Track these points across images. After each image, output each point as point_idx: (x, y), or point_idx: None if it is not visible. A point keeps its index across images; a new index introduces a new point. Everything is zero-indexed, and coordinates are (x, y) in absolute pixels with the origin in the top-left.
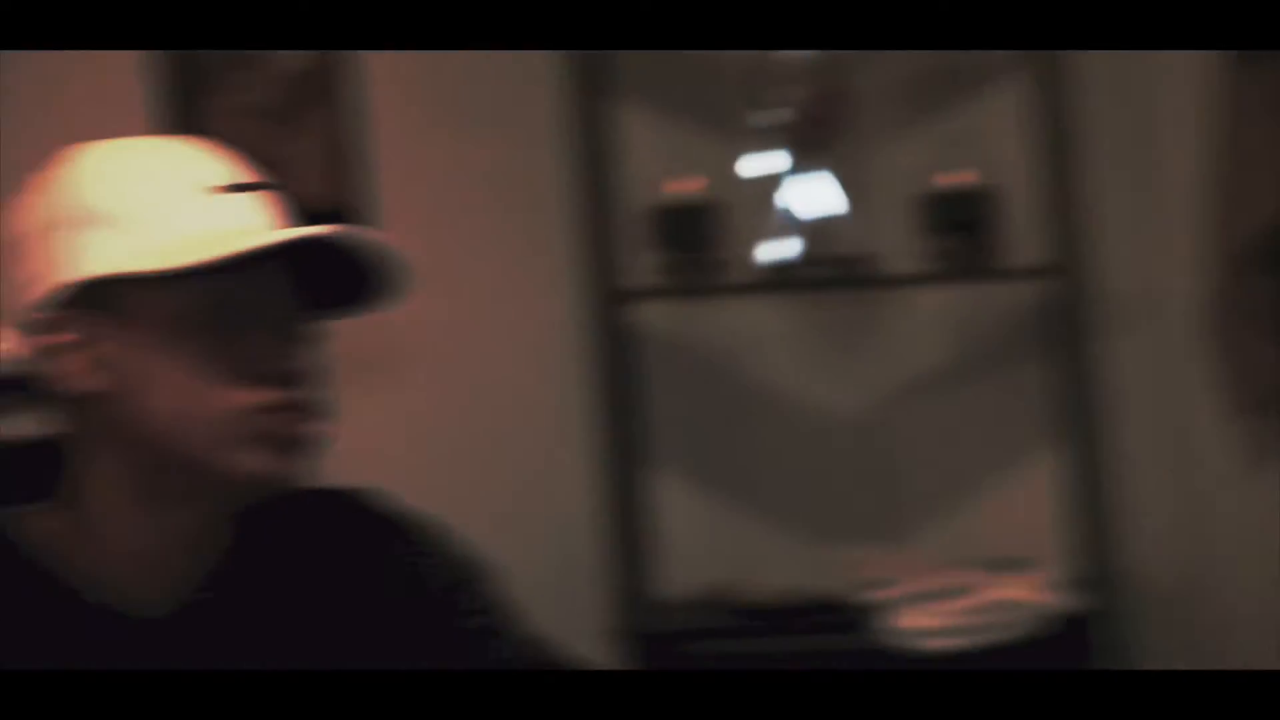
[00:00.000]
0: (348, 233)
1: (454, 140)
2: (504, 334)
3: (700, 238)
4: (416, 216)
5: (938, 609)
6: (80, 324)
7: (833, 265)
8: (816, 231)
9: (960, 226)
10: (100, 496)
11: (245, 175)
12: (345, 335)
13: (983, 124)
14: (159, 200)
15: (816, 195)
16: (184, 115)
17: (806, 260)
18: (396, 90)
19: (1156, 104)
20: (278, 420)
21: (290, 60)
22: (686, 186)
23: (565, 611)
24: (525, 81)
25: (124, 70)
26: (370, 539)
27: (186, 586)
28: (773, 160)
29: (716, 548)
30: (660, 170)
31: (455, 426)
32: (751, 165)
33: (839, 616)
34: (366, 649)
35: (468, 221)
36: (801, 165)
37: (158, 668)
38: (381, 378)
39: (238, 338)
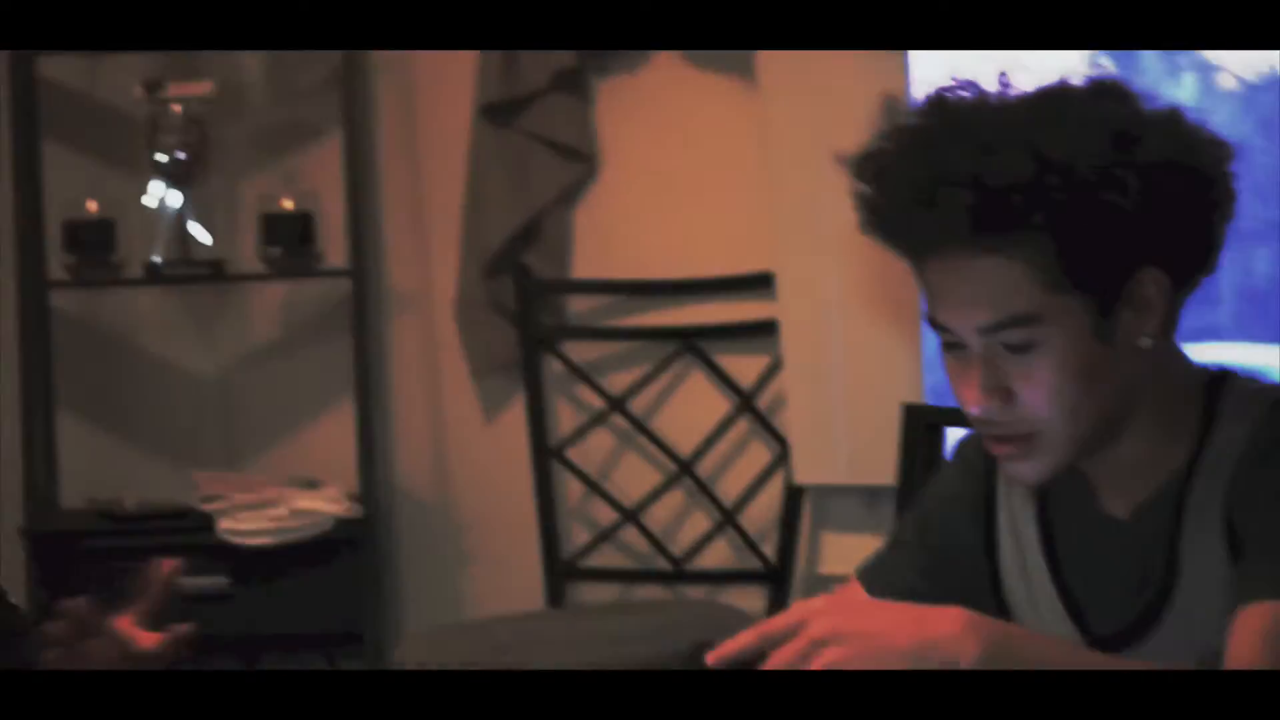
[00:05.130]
0: None
1: None
2: None
3: (103, 244)
4: None
5: (256, 516)
6: None
7: (197, 266)
8: (187, 241)
9: (288, 239)
10: None
11: None
12: None
13: (307, 165)
14: None
15: (188, 214)
16: None
17: (179, 262)
18: None
19: (425, 151)
20: None
21: None
22: (93, 205)
23: None
24: None
25: None
26: None
27: None
28: (159, 187)
29: (105, 471)
30: (76, 192)
31: None
32: (146, 190)
33: (187, 521)
34: None
35: None
36: (178, 191)
37: None
38: None
39: None
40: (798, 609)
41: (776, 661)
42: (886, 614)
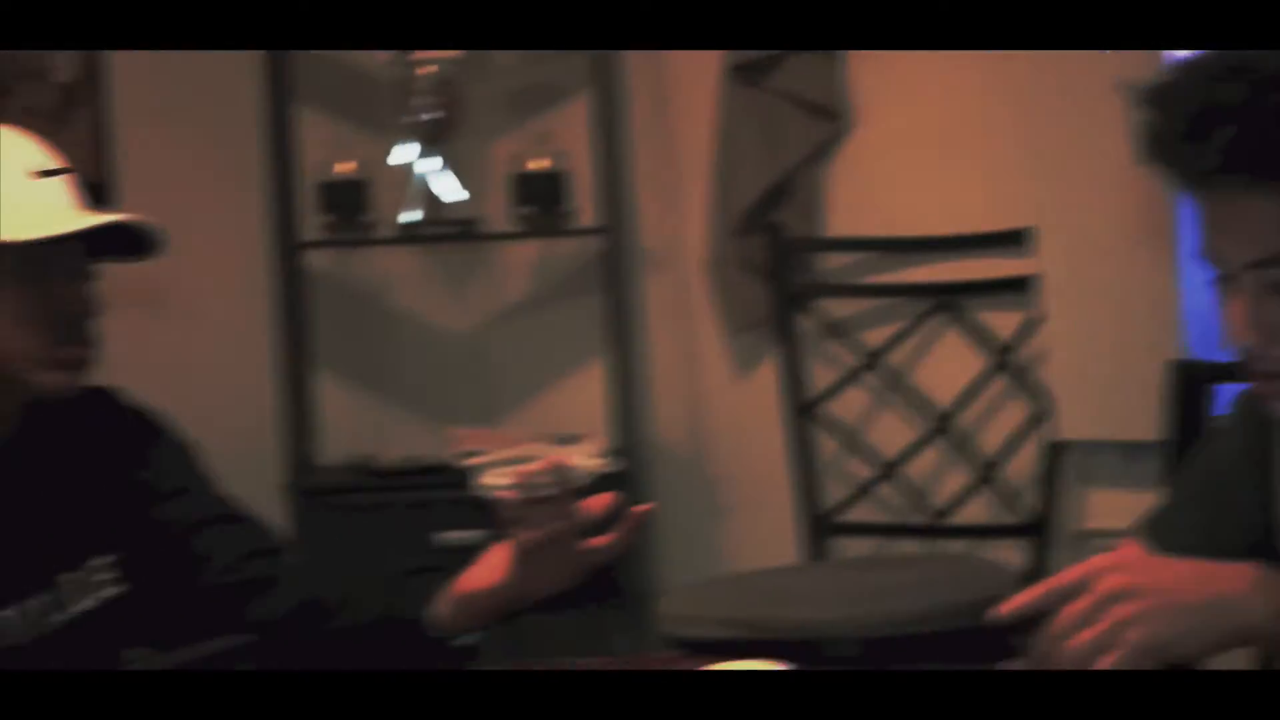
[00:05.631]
0: (128, 219)
1: (179, 133)
2: (216, 273)
3: (356, 204)
4: (155, 190)
5: (513, 471)
6: None
7: (450, 225)
8: (439, 201)
9: (539, 198)
10: None
11: (54, 162)
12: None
13: (557, 125)
14: None
15: (439, 174)
16: None
17: (431, 222)
18: (138, 94)
19: (674, 110)
20: (69, 346)
21: (61, 71)
22: (346, 167)
23: (250, 475)
24: (228, 86)
25: None
26: (123, 425)
27: None
28: (410, 148)
29: (362, 427)
30: (328, 154)
31: (180, 338)
32: (395, 151)
33: (445, 477)
34: (123, 504)
35: (189, 193)
36: (430, 152)
37: None
38: (134, 308)
39: (44, 283)
40: (1086, 565)
41: (1067, 618)
42: (1176, 570)
